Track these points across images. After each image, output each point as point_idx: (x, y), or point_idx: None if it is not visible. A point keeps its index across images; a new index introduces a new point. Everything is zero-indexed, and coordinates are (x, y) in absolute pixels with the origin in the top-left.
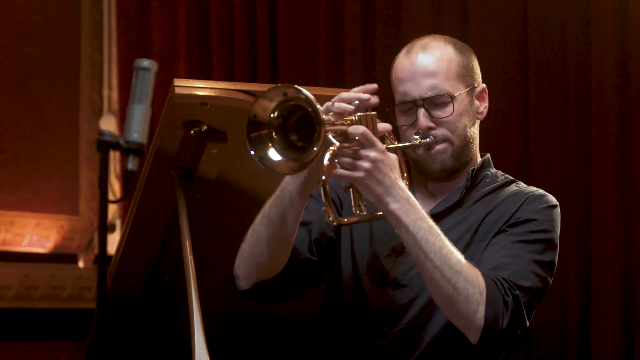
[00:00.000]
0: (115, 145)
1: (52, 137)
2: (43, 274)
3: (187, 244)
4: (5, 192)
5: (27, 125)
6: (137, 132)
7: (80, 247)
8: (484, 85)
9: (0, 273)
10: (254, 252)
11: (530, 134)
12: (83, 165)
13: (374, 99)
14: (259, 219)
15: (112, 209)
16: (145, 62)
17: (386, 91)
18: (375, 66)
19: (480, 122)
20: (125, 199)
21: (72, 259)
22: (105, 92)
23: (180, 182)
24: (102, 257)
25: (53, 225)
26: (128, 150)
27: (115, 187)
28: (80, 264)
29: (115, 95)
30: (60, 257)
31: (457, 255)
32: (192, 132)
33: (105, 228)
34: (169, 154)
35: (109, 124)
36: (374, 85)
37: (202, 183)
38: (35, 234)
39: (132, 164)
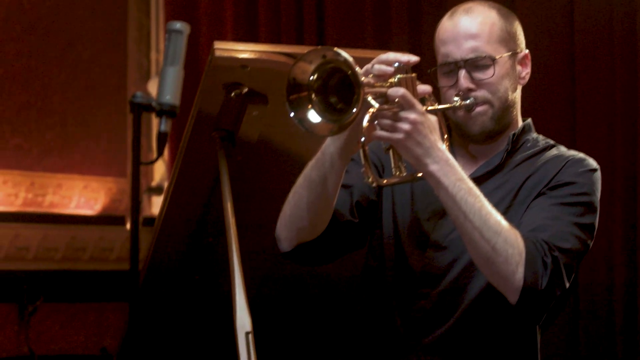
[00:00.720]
0: (148, 107)
1: (99, 100)
2: (91, 236)
3: (229, 205)
4: (53, 154)
5: (75, 88)
6: (170, 94)
7: (128, 209)
8: (527, 51)
9: (48, 235)
10: (295, 214)
11: (575, 100)
12: (131, 128)
13: (414, 59)
14: (300, 182)
15: (160, 172)
16: (178, 25)
17: (430, 53)
18: (422, 27)
19: (525, 87)
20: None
21: (120, 221)
22: (153, 55)
23: (222, 144)
24: (135, 221)
25: (101, 188)
26: (161, 112)
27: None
28: (128, 226)
29: (162, 58)
30: (108, 219)
31: (497, 217)
32: (232, 94)
33: (138, 189)
34: (211, 116)
35: (156, 87)
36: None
37: (243, 145)
38: (83, 196)
39: (164, 126)
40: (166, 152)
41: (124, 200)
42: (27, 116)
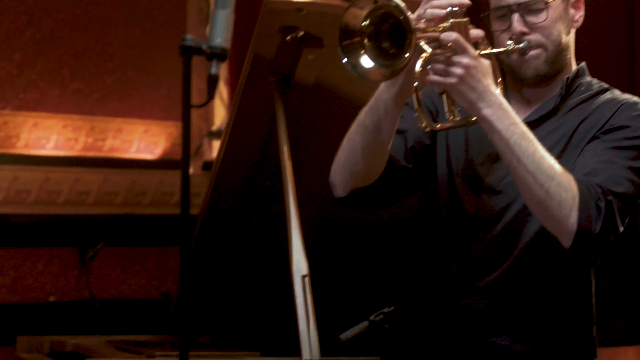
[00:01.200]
0: (199, 51)
1: (159, 44)
2: (151, 180)
3: (285, 149)
4: (113, 99)
5: (135, 33)
6: (220, 37)
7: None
8: None
9: (108, 180)
10: (349, 160)
11: (634, 43)
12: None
13: (467, 2)
14: (354, 128)
15: (221, 116)
16: None
17: None
18: None
19: (580, 31)
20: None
21: (180, 164)
22: None
23: (278, 88)
24: (185, 164)
25: (161, 132)
26: (211, 55)
27: (222, 93)
28: (190, 170)
29: None
30: (168, 163)
31: (550, 161)
32: (288, 38)
33: (189, 134)
34: (266, 59)
35: None
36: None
37: (300, 89)
38: (143, 141)
39: (215, 69)
40: (226, 96)
41: None
42: (87, 61)
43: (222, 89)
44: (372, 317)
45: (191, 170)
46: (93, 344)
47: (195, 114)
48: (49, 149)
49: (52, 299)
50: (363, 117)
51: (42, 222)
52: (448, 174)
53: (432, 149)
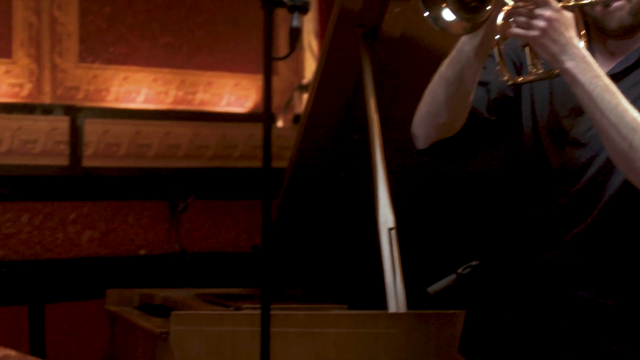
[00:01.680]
0: (280, 3)
1: None
2: (241, 133)
3: (372, 102)
4: (203, 52)
5: None
6: None
7: (279, 106)
8: None
9: (198, 133)
10: (431, 112)
11: None
12: (281, 26)
13: None
14: (435, 79)
15: (311, 69)
16: None
17: None
18: None
19: None
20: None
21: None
22: None
23: (365, 41)
24: (267, 117)
25: (252, 85)
26: (292, 7)
27: (313, 46)
28: (279, 123)
29: None
30: (258, 116)
31: (634, 113)
32: None
33: (270, 87)
34: (353, 12)
35: None
36: None
37: (386, 41)
38: (233, 94)
39: (296, 22)
40: (316, 49)
41: (274, 98)
42: (176, 14)
43: (313, 42)
44: (459, 270)
45: (281, 124)
46: (182, 296)
47: (285, 67)
48: (139, 103)
49: (142, 252)
50: (445, 69)
51: (132, 175)
52: (533, 127)
53: (516, 101)
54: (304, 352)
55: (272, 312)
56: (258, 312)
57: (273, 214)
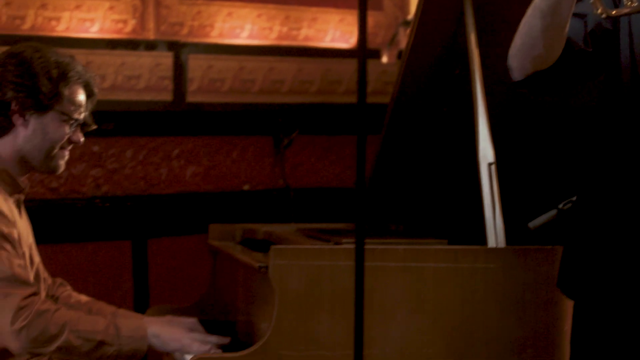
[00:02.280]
0: None
1: None
2: (346, 69)
3: (472, 37)
4: None
5: None
6: None
7: (384, 42)
8: None
9: (303, 68)
10: (526, 43)
11: None
12: None
13: None
14: (530, 11)
15: (414, 4)
16: None
17: None
18: None
19: None
20: None
21: (375, 54)
22: None
23: None
24: (362, 51)
25: (356, 21)
26: None
27: None
28: (384, 59)
29: None
30: None
31: None
32: None
33: (364, 20)
34: None
35: None
36: None
37: None
38: (338, 30)
39: None
40: None
41: (379, 33)
42: None
43: None
44: (560, 206)
45: (386, 59)
46: (284, 231)
47: (390, 3)
48: (243, 38)
49: (246, 187)
50: (539, 1)
51: (236, 110)
52: (631, 61)
53: (614, 34)
54: (402, 287)
55: (372, 246)
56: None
57: (375, 149)
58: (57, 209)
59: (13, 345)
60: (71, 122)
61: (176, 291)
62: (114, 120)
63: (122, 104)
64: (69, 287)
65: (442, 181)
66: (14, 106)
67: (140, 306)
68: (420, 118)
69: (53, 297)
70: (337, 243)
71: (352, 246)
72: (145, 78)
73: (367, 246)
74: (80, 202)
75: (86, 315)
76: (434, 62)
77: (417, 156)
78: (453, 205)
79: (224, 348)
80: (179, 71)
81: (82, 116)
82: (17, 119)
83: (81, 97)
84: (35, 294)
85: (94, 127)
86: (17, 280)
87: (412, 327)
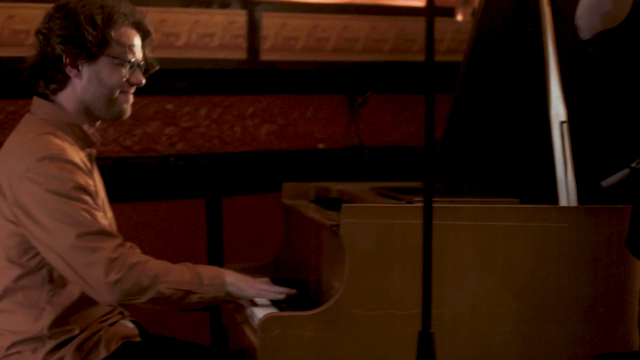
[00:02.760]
0: None
1: None
2: (420, 27)
3: None
4: None
5: None
6: None
7: (459, 0)
8: None
9: (377, 27)
10: (594, 1)
11: None
12: None
13: None
14: None
15: None
16: None
17: None
18: None
19: None
20: None
21: (450, 12)
22: None
23: None
24: (430, 8)
25: None
26: None
27: None
28: (458, 17)
29: None
30: (437, 10)
31: None
32: None
33: None
34: None
35: None
36: None
37: None
38: None
39: None
40: None
41: None
42: None
43: None
44: (633, 165)
45: (460, 18)
46: (357, 189)
47: None
48: None
49: (320, 146)
50: None
51: (310, 69)
52: None
53: None
54: (473, 245)
55: (443, 205)
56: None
57: (448, 108)
58: (131, 167)
59: (107, 297)
60: (125, 64)
61: (250, 250)
62: (187, 79)
63: (196, 62)
64: (138, 250)
65: (514, 140)
66: (65, 59)
67: (214, 265)
68: (492, 76)
69: None
70: (408, 202)
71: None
72: (219, 36)
73: (438, 205)
74: (154, 160)
75: (172, 265)
76: (506, 20)
77: (489, 115)
78: (525, 165)
79: (296, 306)
80: (253, 29)
81: (136, 57)
82: (70, 71)
83: (132, 37)
84: (121, 244)
85: (156, 67)
86: (103, 233)
87: (482, 286)
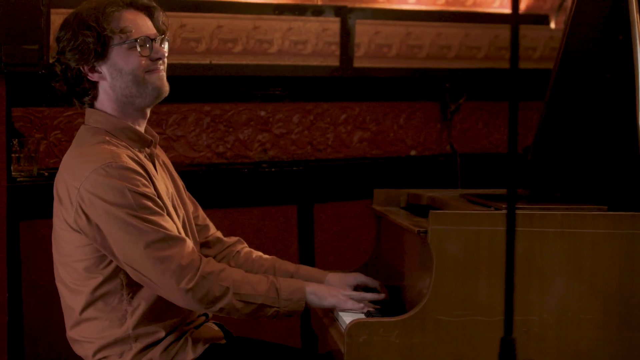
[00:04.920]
0: None
1: None
2: None
3: (634, 1)
4: None
5: None
6: None
7: (552, 8)
8: None
9: (470, 34)
10: None
11: None
12: None
13: None
14: None
15: None
16: None
17: None
18: None
19: None
20: None
21: (544, 19)
22: None
23: None
24: (514, 16)
25: None
26: None
27: None
28: (552, 24)
29: None
30: (531, 17)
31: None
32: None
33: None
34: None
35: None
36: None
37: None
38: None
39: None
40: None
41: None
42: None
43: None
44: None
45: (553, 25)
46: (447, 196)
47: None
48: (410, 4)
49: (413, 152)
50: None
51: (403, 76)
52: None
53: None
54: (560, 252)
55: (530, 212)
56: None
57: (539, 115)
58: (224, 173)
59: (181, 303)
60: (135, 44)
61: (341, 256)
62: (280, 86)
63: (289, 69)
64: (245, 244)
65: (603, 147)
66: (83, 69)
67: None
68: (582, 84)
69: (232, 252)
70: (497, 208)
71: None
72: (312, 43)
73: (525, 212)
74: (247, 166)
75: (249, 277)
76: (596, 28)
77: (578, 122)
78: (613, 172)
79: (386, 312)
80: (346, 36)
81: (145, 32)
82: (93, 76)
83: (132, 18)
84: (190, 247)
85: (167, 35)
86: (168, 238)
87: (569, 293)
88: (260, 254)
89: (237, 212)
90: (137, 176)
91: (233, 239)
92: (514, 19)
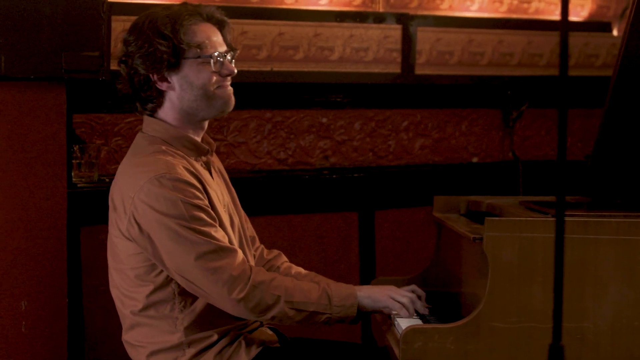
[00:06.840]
0: None
1: None
2: (575, 42)
3: None
4: None
5: None
6: None
7: (615, 15)
8: None
9: (532, 41)
10: None
11: None
12: None
13: None
14: None
15: None
16: None
17: None
18: None
19: None
20: None
21: (607, 27)
22: None
23: None
24: (564, 24)
25: None
26: None
27: None
28: (614, 32)
29: None
30: (594, 25)
31: None
32: None
33: None
34: None
35: None
36: None
37: None
38: (570, 3)
39: None
40: None
41: (611, 6)
42: None
43: None
44: None
45: (616, 33)
46: (506, 203)
47: None
48: (473, 11)
49: (475, 160)
50: None
51: (465, 83)
52: None
53: None
54: (615, 259)
55: (585, 219)
56: (573, 219)
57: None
58: (285, 180)
59: (233, 312)
60: (209, 60)
61: (402, 263)
62: (342, 92)
63: (350, 76)
64: (285, 258)
65: None
66: (152, 76)
67: (366, 277)
68: None
69: (272, 267)
70: (554, 216)
71: (569, 219)
72: (373, 50)
73: (580, 219)
74: (308, 173)
75: (300, 284)
76: None
77: (638, 128)
78: None
79: (443, 318)
80: (408, 44)
81: (219, 49)
82: (161, 85)
83: (206, 32)
84: (241, 258)
85: (237, 51)
86: (220, 249)
87: (623, 300)
88: (299, 269)
89: (298, 218)
90: (190, 188)
91: (274, 252)
92: (564, 26)
